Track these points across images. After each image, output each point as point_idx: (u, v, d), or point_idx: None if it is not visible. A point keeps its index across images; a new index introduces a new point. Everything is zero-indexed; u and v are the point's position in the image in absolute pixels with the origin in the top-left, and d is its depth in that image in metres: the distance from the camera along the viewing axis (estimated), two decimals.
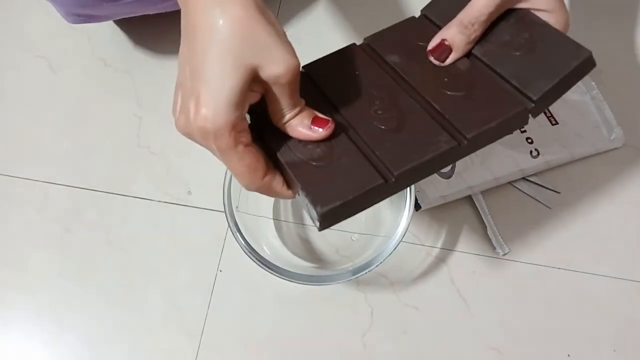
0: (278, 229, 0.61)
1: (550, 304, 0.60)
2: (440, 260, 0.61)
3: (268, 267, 0.50)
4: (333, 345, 0.58)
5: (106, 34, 0.69)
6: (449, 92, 0.37)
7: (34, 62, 0.68)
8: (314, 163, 0.35)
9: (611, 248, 0.61)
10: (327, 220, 0.34)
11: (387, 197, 0.36)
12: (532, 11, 0.38)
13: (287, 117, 0.35)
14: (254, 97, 0.33)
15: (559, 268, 0.61)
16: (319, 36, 0.69)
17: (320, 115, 0.36)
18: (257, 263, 0.50)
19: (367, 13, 0.70)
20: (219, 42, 0.30)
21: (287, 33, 0.69)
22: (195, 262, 0.61)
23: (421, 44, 0.40)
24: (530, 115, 0.37)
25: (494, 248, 0.61)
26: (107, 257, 0.61)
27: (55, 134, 0.65)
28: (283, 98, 0.34)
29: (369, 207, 0.35)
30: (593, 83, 0.64)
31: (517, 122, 0.37)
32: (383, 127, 0.36)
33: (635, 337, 0.59)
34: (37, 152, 0.65)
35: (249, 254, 0.50)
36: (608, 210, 0.62)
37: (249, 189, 0.35)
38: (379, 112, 0.37)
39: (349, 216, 0.35)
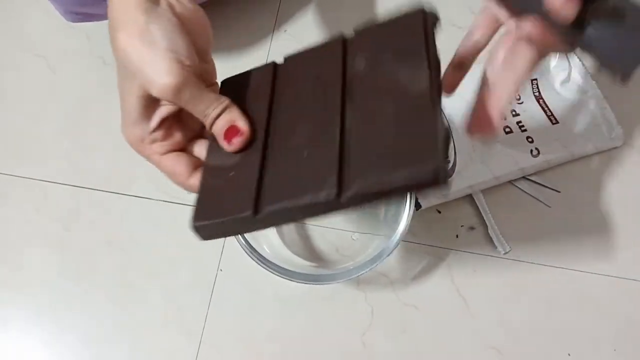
0: (278, 228, 0.61)
1: (551, 303, 0.60)
2: (440, 259, 0.61)
3: (268, 266, 0.50)
4: (333, 344, 0.58)
5: (105, 33, 0.68)
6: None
7: (33, 61, 0.68)
8: (226, 171, 0.35)
9: (611, 247, 0.61)
10: (202, 234, 0.34)
11: (262, 228, 0.33)
12: None
13: (206, 123, 0.36)
14: (165, 109, 0.36)
15: (559, 267, 0.60)
16: (319, 35, 0.69)
17: (238, 124, 0.35)
18: (257, 262, 0.50)
19: (367, 11, 0.70)
20: (120, 68, 0.35)
21: (287, 31, 0.69)
22: (195, 262, 0.60)
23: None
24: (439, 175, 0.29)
25: (495, 247, 0.61)
26: (107, 257, 0.61)
27: (55, 133, 0.65)
28: (189, 110, 0.35)
29: (245, 232, 0.36)
30: (593, 82, 0.64)
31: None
32: (292, 147, 0.34)
33: (635, 336, 0.59)
34: (36, 151, 0.65)
35: (249, 253, 0.50)
36: (608, 208, 0.62)
37: (182, 187, 0.37)
38: (303, 129, 0.34)
39: (230, 234, 0.35)
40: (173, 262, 0.61)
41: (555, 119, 0.63)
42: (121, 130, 0.36)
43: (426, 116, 0.30)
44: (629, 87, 0.66)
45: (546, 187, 0.62)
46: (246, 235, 0.50)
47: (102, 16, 0.60)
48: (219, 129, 0.35)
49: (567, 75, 0.65)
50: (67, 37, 0.69)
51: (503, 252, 0.60)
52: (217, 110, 0.35)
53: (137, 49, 0.33)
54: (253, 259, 0.50)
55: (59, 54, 0.68)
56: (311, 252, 0.61)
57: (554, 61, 0.65)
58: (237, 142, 0.35)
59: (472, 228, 0.62)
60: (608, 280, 0.60)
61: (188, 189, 0.37)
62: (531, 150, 0.61)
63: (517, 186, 0.62)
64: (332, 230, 0.61)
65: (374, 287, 0.60)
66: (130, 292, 0.60)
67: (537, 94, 0.65)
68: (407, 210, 0.50)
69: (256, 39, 0.68)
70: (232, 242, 0.60)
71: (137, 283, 0.60)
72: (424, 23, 0.34)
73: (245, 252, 0.50)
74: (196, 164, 0.37)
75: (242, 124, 0.35)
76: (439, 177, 0.29)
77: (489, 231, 0.61)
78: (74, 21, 0.59)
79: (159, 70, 0.33)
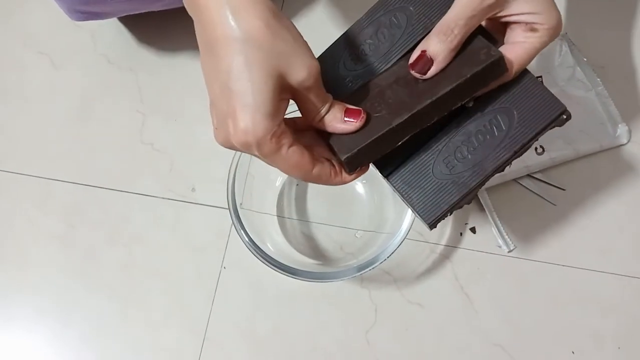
0: (282, 225, 0.61)
1: (555, 301, 0.59)
2: (445, 257, 0.61)
3: (272, 264, 0.50)
4: (337, 342, 0.58)
5: (109, 31, 0.69)
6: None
7: (37, 58, 0.68)
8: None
9: (616, 245, 0.61)
10: (353, 164, 0.37)
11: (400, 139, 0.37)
12: (520, 16, 0.37)
13: (320, 114, 0.36)
14: (287, 102, 0.34)
15: (563, 265, 0.60)
16: (323, 32, 0.69)
17: (351, 107, 0.37)
18: (260, 260, 0.50)
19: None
20: (241, 56, 0.31)
21: None
22: (199, 259, 0.61)
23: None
24: None
25: (499, 245, 0.60)
26: (110, 254, 0.61)
27: (58, 131, 0.65)
28: (311, 98, 0.35)
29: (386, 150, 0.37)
30: (598, 79, 0.64)
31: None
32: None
33: (639, 334, 0.59)
34: (39, 149, 0.65)
35: (252, 250, 0.50)
36: (613, 207, 0.62)
37: (304, 180, 0.37)
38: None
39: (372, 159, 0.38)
40: (176, 259, 0.61)
41: None
42: (240, 128, 0.32)
43: None
44: (634, 84, 0.66)
45: (551, 185, 0.62)
46: (250, 232, 0.50)
47: (107, 14, 0.61)
48: (335, 117, 0.36)
49: (572, 72, 0.64)
50: (70, 35, 0.69)
51: (507, 250, 0.60)
52: (330, 102, 0.36)
53: (279, 32, 0.31)
54: (257, 257, 0.50)
55: (62, 52, 0.69)
56: (315, 250, 0.60)
57: (559, 59, 0.65)
58: (360, 119, 0.36)
59: (476, 226, 0.61)
60: (613, 278, 0.60)
61: (309, 179, 0.36)
62: (536, 148, 0.61)
63: (521, 184, 0.62)
64: (336, 228, 0.61)
65: (378, 285, 0.60)
66: (133, 289, 0.60)
67: None
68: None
69: None
70: (235, 240, 0.60)
71: (140, 280, 0.60)
72: (554, 119, 0.38)
73: (249, 249, 0.50)
74: (313, 154, 0.37)
75: (353, 107, 0.37)
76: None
77: (494, 229, 0.61)
78: (78, 20, 0.59)
79: (307, 53, 0.32)
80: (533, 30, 0.37)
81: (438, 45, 0.37)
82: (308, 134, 0.38)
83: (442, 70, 0.37)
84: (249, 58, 0.31)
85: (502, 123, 0.39)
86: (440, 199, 0.39)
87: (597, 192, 0.63)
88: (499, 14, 0.37)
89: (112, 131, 0.65)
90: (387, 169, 0.40)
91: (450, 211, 0.39)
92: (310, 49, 0.33)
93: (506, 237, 0.60)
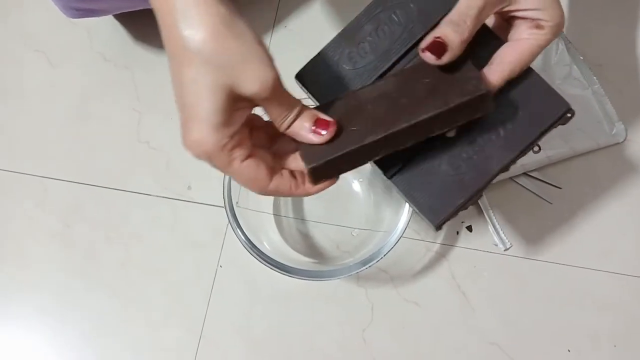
0: (278, 224, 0.61)
1: (551, 300, 0.59)
2: (441, 255, 0.61)
3: (268, 263, 0.49)
4: (333, 341, 0.58)
5: (105, 29, 0.68)
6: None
7: (33, 56, 0.68)
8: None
9: (612, 243, 0.61)
10: (317, 175, 0.36)
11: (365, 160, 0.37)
12: (527, 12, 0.37)
13: (285, 124, 0.34)
14: (245, 111, 0.33)
15: (560, 263, 0.60)
16: (320, 31, 0.69)
17: (322, 117, 0.35)
18: (257, 258, 0.50)
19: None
20: (189, 68, 0.30)
21: (287, 27, 0.68)
22: (195, 258, 0.60)
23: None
24: None
25: (495, 243, 0.60)
26: (107, 252, 0.61)
27: (55, 129, 0.65)
28: (272, 108, 0.33)
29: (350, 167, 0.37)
30: (594, 77, 0.64)
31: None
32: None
33: (635, 332, 0.59)
34: (36, 147, 0.64)
35: (249, 249, 0.50)
36: (609, 205, 0.62)
37: (260, 194, 0.35)
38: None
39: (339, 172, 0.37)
40: (173, 257, 0.61)
41: None
42: (190, 139, 0.32)
43: None
44: (631, 82, 0.66)
45: (547, 183, 0.62)
46: (246, 231, 0.50)
47: (103, 12, 0.60)
48: (302, 126, 0.34)
49: (568, 71, 0.64)
50: (67, 33, 0.69)
51: (504, 248, 0.60)
52: (299, 108, 0.34)
53: (226, 42, 0.30)
54: (253, 255, 0.50)
55: (59, 50, 0.68)
56: (311, 249, 0.60)
57: (555, 57, 0.65)
58: (330, 131, 0.34)
59: (472, 225, 0.61)
60: (609, 277, 0.60)
61: (267, 193, 0.35)
62: None
63: (518, 182, 0.62)
64: (333, 227, 0.61)
65: (375, 284, 0.60)
66: (130, 287, 0.60)
67: None
68: (407, 207, 0.50)
69: None
70: (232, 238, 0.60)
71: (137, 279, 0.60)
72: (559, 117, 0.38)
73: (245, 248, 0.50)
74: (272, 168, 0.35)
75: (327, 117, 0.35)
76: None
77: (490, 228, 0.61)
78: (73, 17, 0.59)
79: (256, 65, 0.30)
80: (538, 27, 0.37)
81: (451, 33, 0.36)
82: (284, 138, 0.36)
83: (432, 92, 0.36)
84: (195, 70, 0.30)
85: (506, 122, 0.38)
86: (445, 200, 0.38)
87: (594, 190, 0.63)
88: (507, 8, 0.37)
89: (109, 129, 0.65)
90: (391, 171, 0.39)
91: (456, 212, 0.39)
92: (266, 58, 0.31)
93: (502, 235, 0.60)
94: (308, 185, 0.36)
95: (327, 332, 0.58)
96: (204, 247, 0.61)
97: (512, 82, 0.38)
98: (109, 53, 0.68)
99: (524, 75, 0.38)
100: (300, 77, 0.41)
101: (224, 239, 0.61)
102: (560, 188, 0.62)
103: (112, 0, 0.55)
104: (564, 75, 0.64)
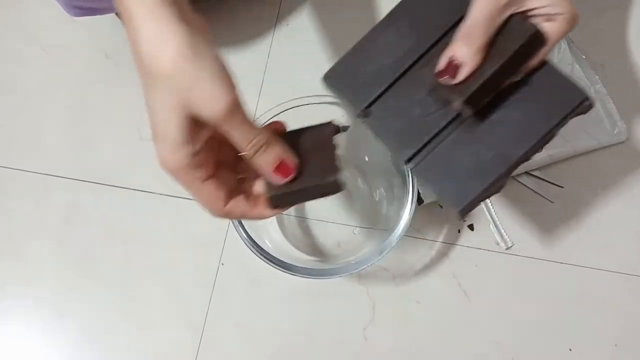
0: (280, 222, 0.61)
1: (552, 298, 0.59)
2: (442, 254, 0.61)
3: (270, 261, 0.49)
4: (334, 339, 0.58)
5: (107, 26, 0.68)
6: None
7: (34, 53, 0.68)
8: None
9: (613, 242, 0.61)
10: (276, 203, 0.37)
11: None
12: (539, 9, 0.37)
13: (249, 153, 0.33)
14: (208, 131, 0.33)
15: (561, 262, 0.60)
16: (321, 29, 0.69)
17: (287, 160, 0.35)
18: (258, 256, 0.50)
19: (368, 5, 0.70)
20: (155, 87, 0.30)
21: (289, 25, 0.68)
22: (197, 255, 0.61)
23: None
24: None
25: (497, 242, 0.60)
26: (108, 250, 0.61)
27: (56, 126, 0.65)
28: (231, 134, 0.32)
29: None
30: (596, 77, 0.64)
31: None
32: None
33: (637, 331, 0.59)
34: (37, 144, 0.64)
35: (250, 247, 0.50)
36: (611, 204, 0.62)
37: (214, 215, 0.35)
38: None
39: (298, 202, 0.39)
40: (174, 255, 0.61)
41: None
42: (158, 156, 0.32)
43: None
44: (633, 81, 0.66)
45: (549, 182, 0.62)
46: (248, 229, 0.50)
47: (105, 10, 0.60)
48: (267, 162, 0.34)
49: (570, 70, 0.64)
50: (68, 30, 0.69)
51: (505, 247, 0.60)
52: (262, 140, 0.33)
53: (185, 64, 0.29)
54: (254, 253, 0.50)
55: (60, 47, 0.68)
56: (313, 247, 0.60)
57: (557, 56, 0.65)
58: (290, 178, 0.35)
59: (474, 223, 0.61)
60: (610, 276, 0.60)
61: (223, 216, 0.35)
62: None
63: (520, 181, 0.62)
64: (334, 225, 0.61)
65: (376, 282, 0.60)
66: (131, 285, 0.60)
67: None
68: (409, 205, 0.50)
69: (258, 33, 0.68)
70: (233, 236, 0.60)
71: (138, 276, 0.60)
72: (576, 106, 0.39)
73: (247, 246, 0.50)
74: (232, 190, 0.35)
75: (291, 160, 0.35)
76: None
77: (492, 226, 0.61)
78: (75, 15, 0.59)
79: (213, 89, 0.30)
80: (551, 20, 0.37)
81: (462, 48, 0.37)
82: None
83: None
84: (156, 90, 0.30)
85: (525, 112, 0.39)
86: (469, 186, 0.39)
87: (595, 189, 0.63)
88: (518, 11, 0.37)
89: (110, 127, 0.65)
90: (412, 159, 0.40)
91: (479, 200, 0.39)
92: (227, 83, 0.31)
93: (504, 234, 0.60)
94: (263, 208, 0.37)
95: (329, 330, 0.58)
96: (206, 245, 0.61)
97: (530, 73, 0.39)
98: (110, 50, 0.68)
99: (541, 66, 0.39)
100: (328, 79, 0.43)
101: (226, 237, 0.61)
102: (562, 187, 0.62)
103: None
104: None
